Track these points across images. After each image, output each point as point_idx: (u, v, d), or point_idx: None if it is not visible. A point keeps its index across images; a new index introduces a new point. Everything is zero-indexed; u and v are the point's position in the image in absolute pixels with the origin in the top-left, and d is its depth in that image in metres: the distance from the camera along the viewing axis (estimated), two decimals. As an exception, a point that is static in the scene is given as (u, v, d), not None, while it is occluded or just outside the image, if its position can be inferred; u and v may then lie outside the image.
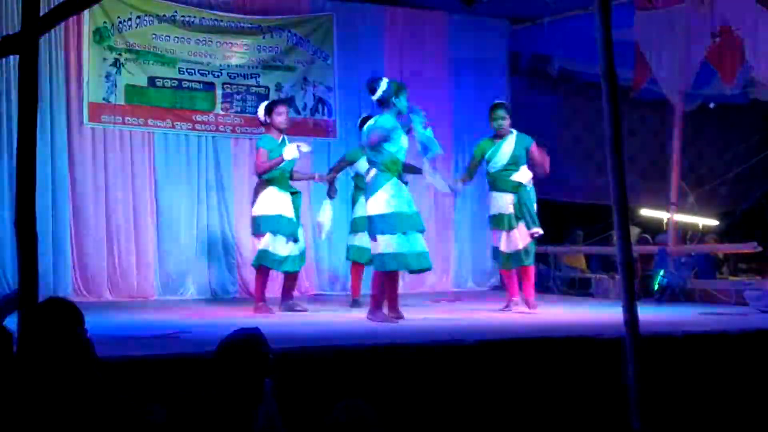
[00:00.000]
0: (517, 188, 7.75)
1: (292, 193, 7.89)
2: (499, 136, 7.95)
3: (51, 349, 3.02)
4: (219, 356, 3.49)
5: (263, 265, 7.76)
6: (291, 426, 3.55)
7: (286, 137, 7.94)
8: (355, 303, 8.31)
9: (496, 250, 7.94)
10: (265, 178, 7.78)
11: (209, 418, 3.33)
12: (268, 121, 7.87)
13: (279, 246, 7.69)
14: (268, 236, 7.69)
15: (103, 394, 3.08)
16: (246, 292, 9.59)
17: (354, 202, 8.47)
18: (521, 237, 7.71)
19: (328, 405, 3.18)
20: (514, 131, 7.93)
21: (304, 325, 6.83)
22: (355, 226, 8.32)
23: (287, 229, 7.70)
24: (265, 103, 8.17)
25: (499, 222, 7.81)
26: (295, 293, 9.84)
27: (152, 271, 9.45)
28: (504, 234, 7.77)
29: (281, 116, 7.86)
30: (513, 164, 7.82)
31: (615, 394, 3.80)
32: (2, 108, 8.75)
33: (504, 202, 7.79)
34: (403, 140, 7.05)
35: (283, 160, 7.69)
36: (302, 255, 7.94)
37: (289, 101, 9.48)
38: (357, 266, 8.50)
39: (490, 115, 7.98)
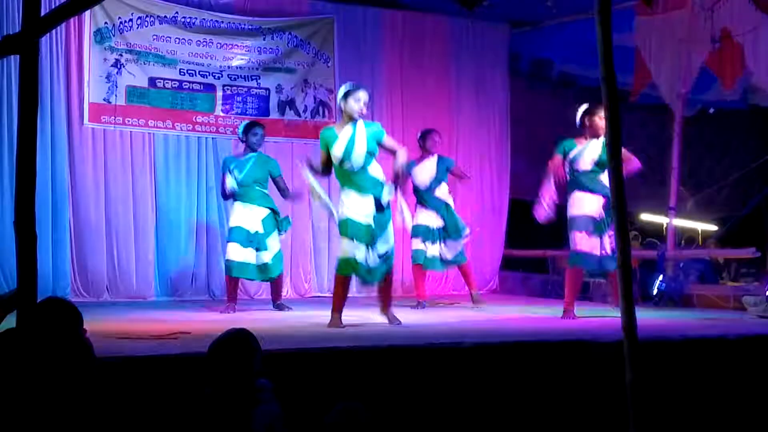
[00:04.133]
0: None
1: (270, 209, 8.25)
2: (585, 136, 7.64)
3: (49, 349, 3.02)
4: (208, 356, 3.50)
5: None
6: (290, 427, 3.56)
7: (256, 154, 8.27)
8: (419, 305, 8.64)
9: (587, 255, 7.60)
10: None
11: (205, 417, 3.34)
12: (244, 140, 8.33)
13: (233, 252, 8.11)
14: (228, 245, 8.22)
15: (102, 395, 3.08)
16: (245, 294, 9.60)
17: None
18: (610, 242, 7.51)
19: (326, 406, 3.19)
20: None
21: (303, 326, 6.83)
22: (414, 232, 8.78)
23: (242, 237, 8.10)
24: (246, 123, 8.57)
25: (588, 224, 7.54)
26: (296, 296, 9.89)
27: (151, 272, 9.46)
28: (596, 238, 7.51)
29: (256, 136, 8.29)
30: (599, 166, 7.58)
31: (613, 398, 3.80)
32: (3, 108, 8.76)
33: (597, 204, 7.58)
34: (337, 149, 6.72)
35: (225, 191, 8.27)
36: (263, 266, 8.18)
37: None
38: (417, 268, 8.91)
39: (591, 112, 7.60)
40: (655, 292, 9.10)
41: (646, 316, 7.03)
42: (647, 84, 9.87)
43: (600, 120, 7.46)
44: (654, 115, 11.34)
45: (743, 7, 8.87)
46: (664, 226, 10.33)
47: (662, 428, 4.80)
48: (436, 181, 8.83)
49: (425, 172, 8.83)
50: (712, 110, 11.30)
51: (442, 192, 8.86)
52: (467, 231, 8.98)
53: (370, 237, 6.69)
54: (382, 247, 6.75)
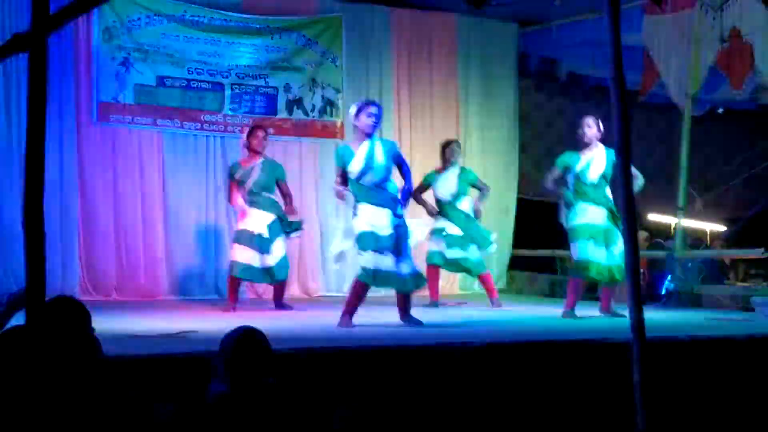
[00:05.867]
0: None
1: (278, 216, 8.19)
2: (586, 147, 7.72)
3: (58, 348, 3.03)
4: (219, 353, 3.50)
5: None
6: (297, 426, 3.56)
7: (261, 161, 8.20)
8: (433, 304, 8.69)
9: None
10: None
11: (213, 416, 3.34)
12: (248, 143, 8.25)
13: (238, 254, 8.09)
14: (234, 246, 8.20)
15: (110, 393, 3.08)
16: (253, 293, 9.60)
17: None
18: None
19: (333, 407, 3.19)
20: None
21: (310, 326, 6.84)
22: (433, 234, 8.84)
23: (247, 240, 8.06)
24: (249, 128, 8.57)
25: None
26: (303, 296, 9.88)
27: (160, 271, 9.47)
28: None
29: (257, 138, 8.22)
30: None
31: (621, 398, 3.80)
32: (11, 107, 8.79)
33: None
34: (355, 164, 6.74)
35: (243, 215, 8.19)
36: (268, 270, 8.14)
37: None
38: (433, 269, 8.91)
39: (582, 123, 7.73)
40: (663, 292, 9.09)
41: (654, 317, 7.03)
42: (656, 83, 9.85)
43: (587, 129, 7.60)
44: (662, 114, 11.34)
45: (752, 7, 8.84)
46: (673, 226, 10.31)
47: (670, 428, 4.80)
48: (458, 194, 8.83)
49: (447, 185, 8.83)
50: (721, 110, 11.27)
51: (464, 205, 8.87)
52: (493, 239, 8.98)
53: (395, 245, 6.71)
54: (408, 261, 6.80)
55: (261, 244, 8.05)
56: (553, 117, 12.07)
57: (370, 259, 6.65)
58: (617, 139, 2.59)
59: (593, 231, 7.56)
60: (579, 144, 7.77)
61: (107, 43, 9.23)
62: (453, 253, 8.79)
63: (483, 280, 9.07)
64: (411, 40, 10.85)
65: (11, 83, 8.79)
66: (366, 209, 6.72)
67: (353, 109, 6.92)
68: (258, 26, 9.96)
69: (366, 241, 6.66)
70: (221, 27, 9.78)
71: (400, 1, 10.79)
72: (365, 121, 6.78)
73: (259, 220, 8.09)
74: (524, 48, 11.49)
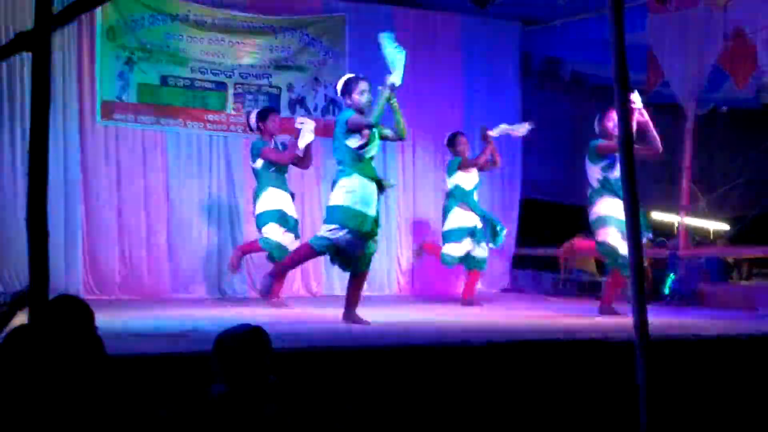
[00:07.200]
0: None
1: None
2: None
3: (61, 346, 3.03)
4: (220, 351, 3.48)
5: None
6: (298, 425, 3.56)
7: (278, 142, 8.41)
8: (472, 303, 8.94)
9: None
10: (265, 180, 8.15)
11: (215, 415, 3.34)
12: (261, 127, 8.31)
13: (274, 233, 8.10)
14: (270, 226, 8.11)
15: (113, 392, 3.08)
16: (255, 292, 9.59)
17: (445, 212, 9.11)
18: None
19: (335, 406, 3.19)
20: None
21: (311, 324, 6.84)
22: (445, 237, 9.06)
23: (281, 219, 8.11)
24: (256, 110, 8.60)
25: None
26: (304, 293, 9.88)
27: (163, 270, 9.47)
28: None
29: (275, 122, 8.36)
30: None
31: (625, 397, 3.79)
32: (15, 106, 8.79)
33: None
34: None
35: (297, 150, 8.27)
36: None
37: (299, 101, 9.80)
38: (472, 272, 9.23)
39: (606, 116, 7.83)
40: (666, 291, 9.09)
41: (657, 315, 7.02)
42: (660, 82, 9.85)
43: (613, 123, 7.61)
44: (666, 113, 11.30)
45: (756, 6, 8.83)
46: (676, 225, 10.30)
47: (674, 428, 4.79)
48: (477, 186, 9.17)
49: (472, 176, 9.08)
50: (724, 109, 11.26)
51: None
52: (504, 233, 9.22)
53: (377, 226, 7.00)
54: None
55: (294, 227, 8.16)
56: (557, 116, 12.05)
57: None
58: (620, 138, 2.59)
59: (619, 223, 7.56)
60: (602, 136, 7.75)
61: (111, 42, 9.23)
62: (473, 248, 9.04)
63: (473, 278, 9.23)
64: (415, 40, 10.80)
65: (15, 81, 8.79)
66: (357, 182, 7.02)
67: (346, 83, 7.22)
68: (261, 25, 9.95)
69: None
70: (225, 26, 9.78)
71: (403, 0, 10.78)
72: (361, 99, 7.13)
73: (288, 201, 8.23)
74: (527, 47, 11.48)
